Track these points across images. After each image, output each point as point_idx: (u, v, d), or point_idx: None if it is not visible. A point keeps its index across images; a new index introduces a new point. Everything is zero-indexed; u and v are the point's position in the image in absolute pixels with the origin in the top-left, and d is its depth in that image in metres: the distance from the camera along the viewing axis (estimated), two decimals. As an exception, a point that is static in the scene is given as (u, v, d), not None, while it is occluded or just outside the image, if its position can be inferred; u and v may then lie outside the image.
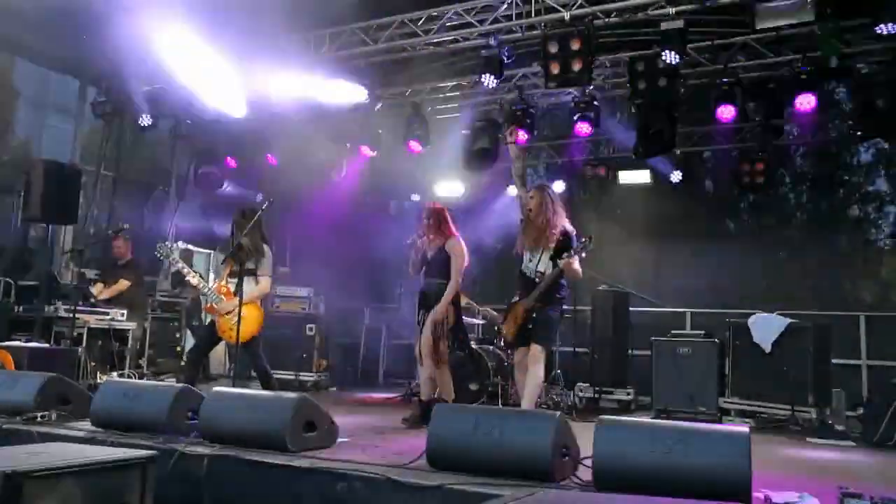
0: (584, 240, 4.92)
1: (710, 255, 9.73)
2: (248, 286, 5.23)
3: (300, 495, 3.32)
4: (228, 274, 5.45)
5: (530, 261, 5.13)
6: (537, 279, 5.06)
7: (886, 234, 10.66)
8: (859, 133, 7.04)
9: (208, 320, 5.46)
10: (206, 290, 5.40)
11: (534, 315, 5.02)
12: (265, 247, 5.44)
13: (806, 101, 6.48)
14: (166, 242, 5.75)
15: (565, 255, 4.90)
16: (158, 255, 5.68)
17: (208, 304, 5.39)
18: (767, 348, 6.55)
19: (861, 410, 6.57)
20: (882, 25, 5.68)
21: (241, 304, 4.97)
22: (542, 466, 3.14)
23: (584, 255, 4.92)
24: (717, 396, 6.89)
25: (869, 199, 10.64)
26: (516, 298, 5.25)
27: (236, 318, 5.02)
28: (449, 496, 3.05)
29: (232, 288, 5.32)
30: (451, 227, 5.54)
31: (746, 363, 6.80)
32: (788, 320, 6.56)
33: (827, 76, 6.78)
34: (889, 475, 4.31)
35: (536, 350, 4.98)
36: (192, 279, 5.45)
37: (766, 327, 6.61)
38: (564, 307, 5.45)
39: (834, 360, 6.89)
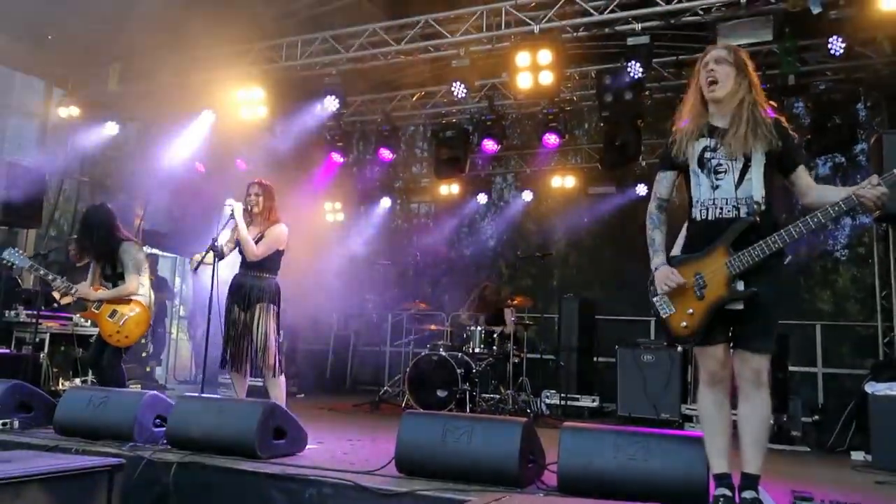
0: None
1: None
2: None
3: (269, 502, 3.34)
4: (100, 276, 5.12)
5: (719, 176, 2.80)
6: (751, 215, 2.75)
7: (842, 245, 11.00)
8: (815, 147, 7.27)
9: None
10: (74, 293, 5.01)
11: (753, 288, 2.75)
12: (126, 244, 5.01)
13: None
14: (11, 248, 5.15)
15: (874, 178, 2.63)
16: (7, 263, 5.12)
17: (87, 311, 5.03)
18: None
19: (816, 417, 6.80)
20: (833, 45, 5.97)
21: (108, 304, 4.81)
22: (509, 472, 3.21)
23: None
24: (680, 403, 7.04)
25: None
26: (677, 254, 2.98)
27: (121, 322, 4.88)
28: (418, 502, 3.10)
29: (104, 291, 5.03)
30: (277, 211, 4.84)
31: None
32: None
33: (787, 94, 7.00)
34: (838, 479, 4.50)
35: (762, 362, 2.80)
36: (55, 282, 5.03)
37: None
38: None
39: (791, 368, 7.12)
